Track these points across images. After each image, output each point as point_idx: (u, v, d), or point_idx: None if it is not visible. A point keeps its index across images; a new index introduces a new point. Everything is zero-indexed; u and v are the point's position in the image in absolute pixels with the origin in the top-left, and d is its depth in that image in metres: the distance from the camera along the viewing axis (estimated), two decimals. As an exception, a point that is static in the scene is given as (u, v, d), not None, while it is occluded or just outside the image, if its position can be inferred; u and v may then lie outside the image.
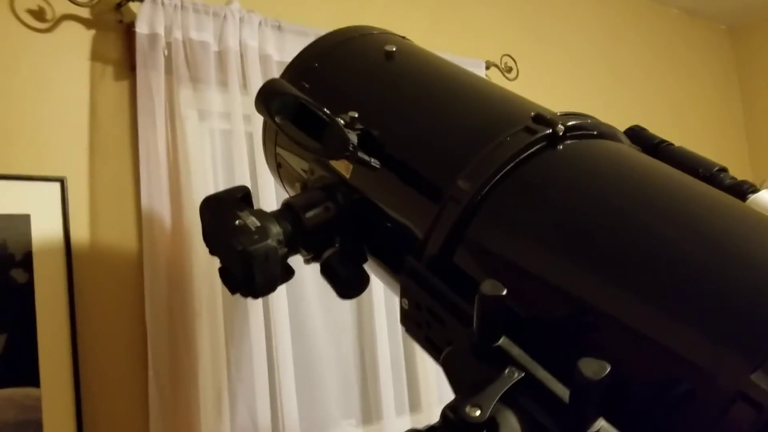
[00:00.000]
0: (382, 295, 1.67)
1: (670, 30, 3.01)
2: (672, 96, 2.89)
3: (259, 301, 1.48)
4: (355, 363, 1.69)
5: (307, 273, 1.55)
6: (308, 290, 1.57)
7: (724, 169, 0.94)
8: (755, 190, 0.91)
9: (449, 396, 0.62)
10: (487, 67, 2.13)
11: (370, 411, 1.68)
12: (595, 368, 0.51)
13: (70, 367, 1.30)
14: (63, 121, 1.38)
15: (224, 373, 1.44)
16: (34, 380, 1.26)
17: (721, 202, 0.71)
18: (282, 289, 1.51)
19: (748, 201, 0.89)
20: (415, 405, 1.74)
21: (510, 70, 2.20)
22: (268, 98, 0.78)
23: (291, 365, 1.49)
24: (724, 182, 0.91)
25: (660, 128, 0.99)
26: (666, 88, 2.88)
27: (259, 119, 1.40)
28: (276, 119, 0.80)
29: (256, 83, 1.52)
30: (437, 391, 1.73)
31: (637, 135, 0.98)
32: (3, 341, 1.26)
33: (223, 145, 1.54)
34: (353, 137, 0.79)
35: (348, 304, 1.68)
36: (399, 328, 1.71)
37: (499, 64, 2.17)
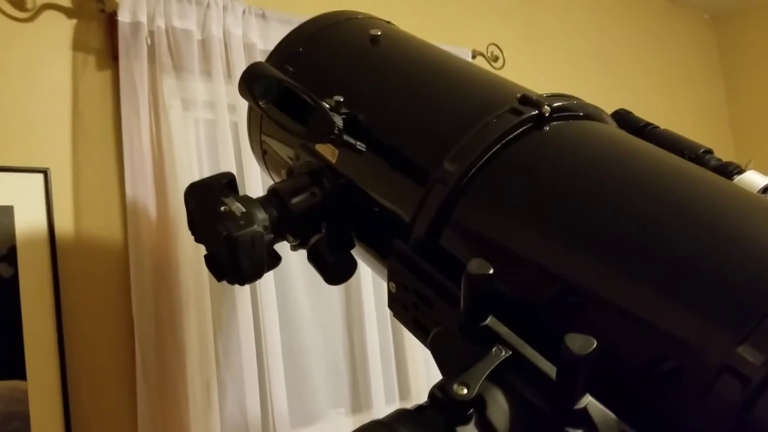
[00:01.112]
0: (371, 284, 1.67)
1: (655, 19, 3.03)
2: (657, 84, 2.91)
3: (247, 291, 1.48)
4: (344, 352, 1.69)
5: (294, 263, 1.55)
6: (296, 280, 1.57)
7: (709, 151, 0.94)
8: (740, 171, 0.92)
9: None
10: (473, 56, 2.12)
11: (359, 400, 1.68)
12: (581, 343, 0.51)
13: (56, 359, 1.29)
14: (45, 111, 1.36)
15: (213, 363, 1.44)
16: (20, 373, 1.25)
17: (707, 180, 0.71)
18: (270, 279, 1.50)
19: (734, 182, 0.90)
20: (404, 393, 1.74)
21: (496, 59, 2.20)
22: (251, 81, 0.77)
23: (280, 355, 1.49)
24: (710, 163, 0.91)
25: (645, 116, 0.99)
26: (651, 77, 2.90)
27: (243, 108, 1.40)
28: (260, 103, 0.79)
29: (241, 72, 1.50)
30: (426, 378, 1.74)
31: (623, 118, 0.98)
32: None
33: (207, 135, 1.53)
34: (339, 121, 0.78)
35: (337, 294, 1.68)
36: (388, 316, 1.72)
37: (485, 52, 2.17)
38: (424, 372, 1.74)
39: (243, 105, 1.45)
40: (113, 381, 1.37)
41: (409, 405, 1.74)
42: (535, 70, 2.37)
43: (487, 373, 0.57)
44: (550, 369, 0.57)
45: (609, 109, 1.04)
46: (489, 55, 2.18)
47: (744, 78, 3.25)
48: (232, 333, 1.46)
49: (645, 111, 1.02)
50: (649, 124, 0.98)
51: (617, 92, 2.62)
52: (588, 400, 0.54)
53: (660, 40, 3.01)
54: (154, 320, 1.38)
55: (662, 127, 0.98)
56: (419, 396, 1.73)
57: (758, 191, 0.89)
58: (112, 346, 1.38)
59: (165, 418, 1.36)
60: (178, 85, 1.48)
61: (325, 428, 1.58)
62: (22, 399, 1.24)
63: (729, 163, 0.91)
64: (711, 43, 3.32)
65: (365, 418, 1.66)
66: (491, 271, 0.58)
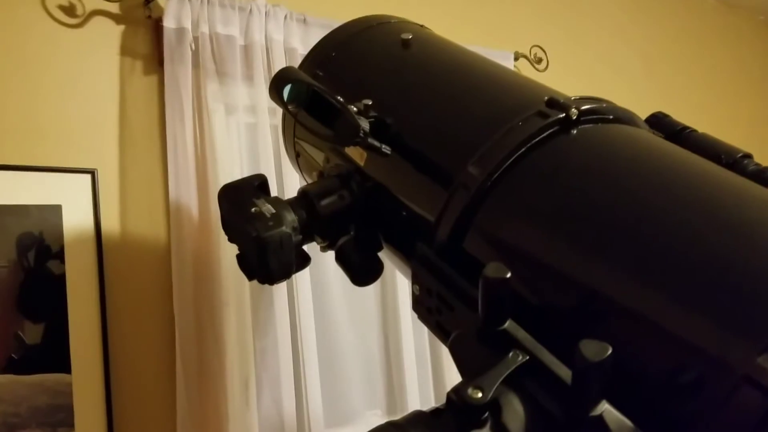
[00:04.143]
0: (407, 285, 1.67)
1: (706, 21, 2.94)
2: (706, 88, 2.82)
3: (284, 291, 1.50)
4: (380, 353, 1.70)
5: (331, 264, 1.56)
6: (332, 281, 1.58)
7: (748, 156, 0.91)
8: (780, 176, 0.89)
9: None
10: (516, 58, 2.11)
11: (395, 402, 1.69)
12: (595, 349, 0.50)
13: (100, 354, 1.34)
14: (93, 114, 1.41)
15: (251, 362, 1.46)
16: (65, 367, 1.30)
17: (738, 187, 0.69)
18: (306, 280, 1.52)
19: (771, 188, 0.87)
20: (440, 395, 1.73)
21: (540, 61, 2.17)
22: (280, 85, 0.78)
23: (315, 355, 1.51)
24: (748, 168, 0.88)
25: (692, 122, 0.96)
26: (700, 83, 2.81)
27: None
28: (289, 107, 0.81)
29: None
30: (463, 382, 1.72)
31: (659, 121, 0.96)
32: (41, 330, 1.30)
33: (248, 138, 1.56)
34: (365, 124, 0.79)
35: (372, 295, 1.69)
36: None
37: (528, 55, 2.15)
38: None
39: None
40: (154, 376, 1.41)
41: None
42: (579, 73, 2.34)
43: (502, 378, 0.56)
44: (566, 375, 0.56)
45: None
46: (532, 57, 2.16)
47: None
48: (269, 333, 1.49)
49: (693, 119, 0.99)
50: (686, 127, 0.96)
51: (664, 96, 2.56)
52: (604, 408, 0.53)
53: (710, 44, 2.91)
54: (195, 318, 1.41)
55: (709, 131, 0.96)
56: (456, 400, 1.72)
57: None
58: (153, 343, 1.42)
59: (203, 413, 1.39)
60: (221, 89, 1.51)
61: (360, 430, 1.58)
62: (67, 392, 1.28)
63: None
64: (766, 47, 3.20)
65: (401, 421, 1.66)
66: (508, 275, 0.57)
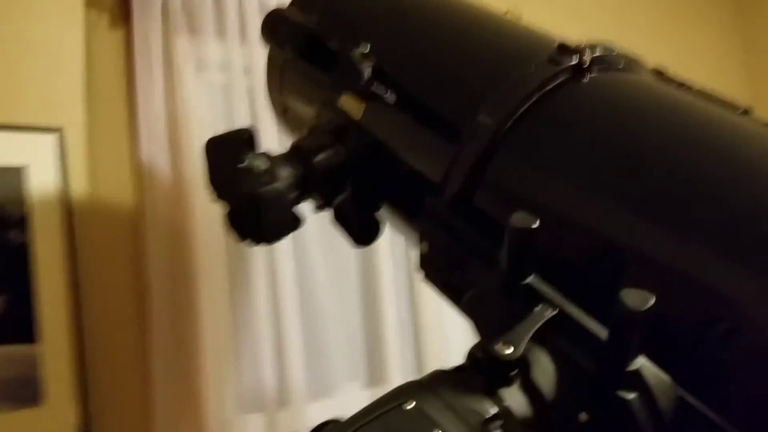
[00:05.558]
0: (388, 254, 1.63)
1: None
2: (673, 43, 2.79)
3: (264, 261, 1.45)
4: (361, 325, 1.66)
5: (311, 234, 1.51)
6: (313, 251, 1.53)
7: (747, 111, 0.90)
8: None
9: (458, 359, 0.58)
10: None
11: (375, 373, 1.65)
12: (639, 298, 0.47)
13: (69, 324, 1.26)
14: (58, 70, 1.32)
15: (229, 332, 1.41)
16: (33, 337, 1.23)
17: (761, 134, 0.66)
18: (287, 249, 1.46)
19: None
20: (422, 367, 1.70)
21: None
22: (274, 27, 0.73)
23: (297, 326, 1.46)
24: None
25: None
26: (667, 36, 2.78)
27: (258, 69, 1.36)
28: (284, 52, 0.75)
29: (256, 33, 1.46)
30: (446, 353, 1.69)
31: (659, 75, 0.94)
32: (3, 302, 1.22)
33: (222, 97, 1.49)
34: (366, 70, 0.74)
35: (353, 266, 1.65)
36: (405, 289, 1.67)
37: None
38: (443, 347, 1.69)
39: (258, 66, 1.41)
40: (128, 349, 1.35)
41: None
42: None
43: (531, 333, 0.53)
44: (598, 329, 0.53)
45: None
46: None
47: (763, 38, 3.08)
48: (248, 303, 1.44)
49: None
50: (683, 83, 0.94)
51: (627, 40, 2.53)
52: (642, 362, 0.51)
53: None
54: (170, 285, 1.35)
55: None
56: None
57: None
58: (127, 311, 1.35)
59: (181, 386, 1.34)
60: (192, 45, 1.44)
61: (342, 401, 1.54)
62: (35, 363, 1.21)
63: None
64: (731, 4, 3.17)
65: (381, 392, 1.63)
66: (536, 225, 0.54)
